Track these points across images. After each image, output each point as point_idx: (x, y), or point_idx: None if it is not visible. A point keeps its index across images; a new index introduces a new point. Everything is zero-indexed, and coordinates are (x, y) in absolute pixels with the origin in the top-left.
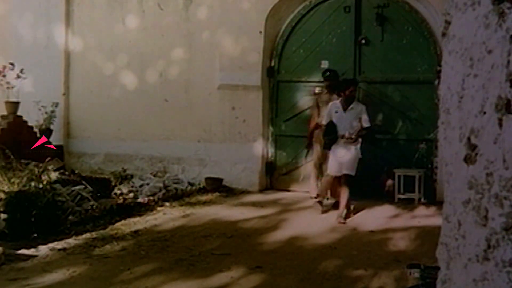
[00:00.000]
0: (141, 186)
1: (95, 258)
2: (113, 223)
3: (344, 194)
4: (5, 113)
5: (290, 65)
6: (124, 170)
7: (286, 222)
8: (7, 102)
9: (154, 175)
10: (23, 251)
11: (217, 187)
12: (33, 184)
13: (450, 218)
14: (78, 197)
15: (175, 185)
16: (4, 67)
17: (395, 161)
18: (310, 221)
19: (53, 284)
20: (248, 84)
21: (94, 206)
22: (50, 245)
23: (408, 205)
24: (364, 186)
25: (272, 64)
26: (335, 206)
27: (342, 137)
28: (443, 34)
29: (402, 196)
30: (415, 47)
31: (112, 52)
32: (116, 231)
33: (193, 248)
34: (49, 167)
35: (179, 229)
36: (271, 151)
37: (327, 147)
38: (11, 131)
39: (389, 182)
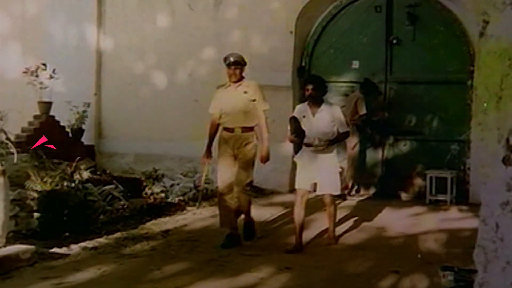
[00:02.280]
0: (171, 186)
1: (126, 258)
2: (144, 223)
3: (331, 214)
4: (38, 113)
5: (321, 65)
6: (155, 170)
7: (315, 222)
8: (40, 102)
9: (184, 175)
10: (55, 250)
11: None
12: (65, 183)
13: (488, 221)
14: (109, 196)
15: (205, 185)
16: (37, 67)
17: (426, 162)
18: (340, 220)
19: (84, 283)
20: (278, 84)
21: (125, 206)
22: (82, 244)
23: (440, 206)
24: (395, 187)
25: (303, 64)
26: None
27: (309, 145)
28: (481, 34)
29: (433, 198)
30: (447, 46)
31: (142, 52)
32: (147, 230)
33: (220, 248)
34: (81, 167)
35: (208, 229)
36: None
37: (296, 153)
38: (44, 131)
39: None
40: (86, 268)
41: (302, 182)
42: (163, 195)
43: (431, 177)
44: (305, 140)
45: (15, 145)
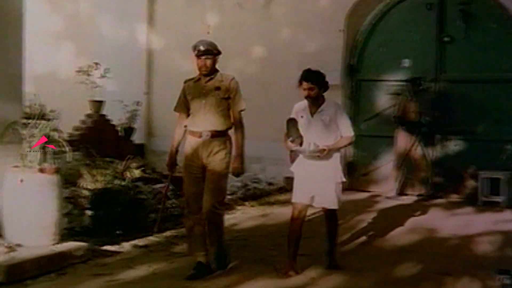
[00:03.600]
0: None
1: (176, 256)
2: None
3: (333, 233)
4: (89, 111)
5: (371, 63)
6: None
7: (365, 223)
8: (91, 101)
9: None
10: (107, 247)
11: None
12: (116, 181)
13: None
14: (159, 195)
15: (254, 185)
16: (89, 66)
17: (478, 162)
18: (389, 222)
19: (135, 280)
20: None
21: (175, 205)
22: (133, 242)
23: (493, 208)
24: (445, 187)
25: (352, 62)
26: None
27: (300, 152)
28: None
29: (486, 199)
30: (500, 44)
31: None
32: None
33: (271, 248)
34: (132, 165)
35: (257, 229)
36: (350, 151)
37: (292, 161)
38: (95, 130)
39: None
40: (137, 265)
41: (298, 195)
42: None
43: (483, 178)
44: (297, 148)
45: (68, 144)
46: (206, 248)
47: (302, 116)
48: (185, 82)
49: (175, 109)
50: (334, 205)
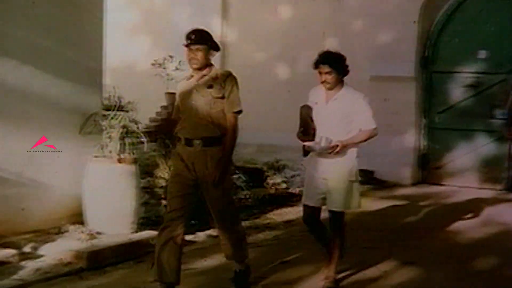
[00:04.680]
0: (292, 177)
1: (249, 246)
2: (266, 213)
3: (336, 243)
4: (165, 103)
5: (445, 55)
6: (277, 161)
7: (439, 217)
8: (167, 93)
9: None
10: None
11: (368, 180)
12: None
13: None
14: (233, 186)
15: None
16: (164, 59)
17: None
18: (463, 215)
19: (210, 269)
20: (401, 75)
21: (248, 196)
22: (207, 232)
23: None
24: None
25: (426, 54)
26: None
27: (311, 148)
28: None
29: None
30: None
31: (265, 43)
32: (269, 220)
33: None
34: None
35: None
36: (424, 143)
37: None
38: (170, 121)
39: None
40: (212, 255)
41: (308, 197)
42: (284, 185)
43: None
44: (310, 144)
45: (145, 135)
46: (178, 271)
47: (316, 103)
48: (180, 81)
49: (172, 117)
50: (337, 206)
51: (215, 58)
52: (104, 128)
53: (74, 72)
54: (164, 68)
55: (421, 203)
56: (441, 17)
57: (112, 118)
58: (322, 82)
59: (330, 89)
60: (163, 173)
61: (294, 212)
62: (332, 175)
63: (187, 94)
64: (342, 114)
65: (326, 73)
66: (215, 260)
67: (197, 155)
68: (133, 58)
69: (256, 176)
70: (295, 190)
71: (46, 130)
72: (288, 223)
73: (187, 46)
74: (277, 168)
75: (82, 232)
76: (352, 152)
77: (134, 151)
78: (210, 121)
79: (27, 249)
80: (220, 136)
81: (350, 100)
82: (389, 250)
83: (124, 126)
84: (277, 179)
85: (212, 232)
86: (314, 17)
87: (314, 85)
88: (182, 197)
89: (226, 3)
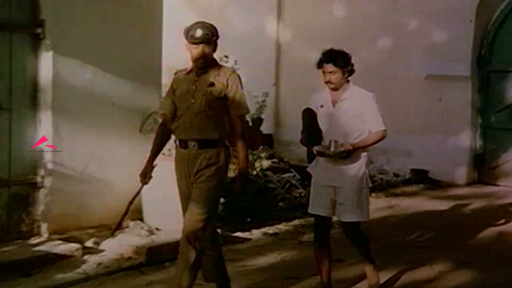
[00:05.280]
0: None
1: (304, 245)
2: None
3: (366, 254)
4: None
5: (502, 54)
6: None
7: (493, 217)
8: None
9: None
10: (239, 234)
11: (422, 179)
12: None
13: None
14: (288, 184)
15: (380, 176)
16: (220, 59)
17: None
18: None
19: (265, 267)
20: (456, 74)
21: (302, 194)
22: (263, 229)
23: None
24: None
25: (483, 53)
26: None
27: (321, 154)
28: None
29: None
30: None
31: (319, 42)
32: None
33: (397, 240)
34: (262, 155)
35: (383, 220)
36: (479, 143)
37: (310, 161)
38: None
39: None
40: (267, 253)
41: (315, 205)
42: None
43: None
44: (318, 148)
45: None
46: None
47: (321, 106)
48: (175, 73)
49: (159, 109)
50: (353, 217)
51: (270, 57)
52: None
53: (134, 71)
54: None
55: (476, 203)
56: (498, 16)
57: None
58: (326, 83)
59: (335, 89)
60: None
61: None
62: (342, 183)
63: (185, 91)
64: (353, 115)
65: (330, 72)
66: (271, 258)
67: (192, 157)
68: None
69: (310, 174)
70: None
71: (107, 128)
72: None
73: (192, 43)
74: None
75: (142, 228)
76: (362, 156)
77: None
78: (206, 122)
79: (89, 243)
80: (216, 139)
81: (360, 99)
82: (444, 250)
83: None
84: None
85: (268, 230)
86: (368, 16)
87: (368, 84)
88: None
89: (281, 3)
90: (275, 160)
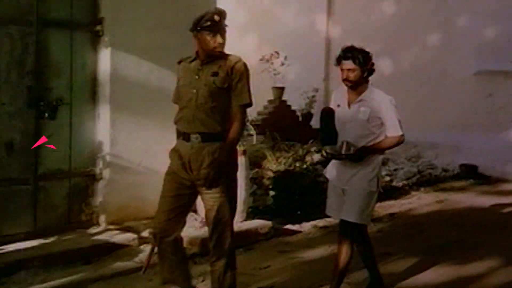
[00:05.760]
0: (395, 170)
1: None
2: None
3: (369, 260)
4: (271, 98)
5: None
6: None
7: None
8: (273, 88)
9: (408, 160)
10: (289, 227)
11: (472, 174)
12: (297, 164)
13: None
14: None
15: (429, 171)
16: (271, 55)
17: None
18: None
19: (316, 259)
20: (507, 70)
21: None
22: (313, 222)
23: None
24: None
25: None
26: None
27: (332, 156)
28: None
29: None
30: None
31: (368, 39)
32: (373, 212)
33: (446, 235)
34: (312, 149)
35: (432, 215)
36: None
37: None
38: (277, 115)
39: None
40: (317, 245)
41: (329, 207)
42: (388, 178)
43: None
44: (329, 149)
45: (253, 128)
46: (188, 275)
47: (338, 105)
48: (178, 62)
49: (172, 100)
50: (351, 217)
51: (320, 54)
52: None
53: None
54: (271, 63)
55: None
56: None
57: None
58: (344, 80)
59: (353, 88)
60: (271, 164)
61: (397, 205)
62: (351, 185)
63: (187, 81)
64: (368, 117)
65: (349, 70)
66: (321, 250)
67: (194, 151)
68: (242, 55)
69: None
70: (398, 183)
71: (162, 122)
72: (392, 215)
73: (210, 30)
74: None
75: (195, 220)
76: (375, 160)
77: (244, 143)
78: (209, 114)
79: (145, 234)
80: (222, 132)
81: (377, 102)
82: (494, 246)
83: None
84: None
85: (318, 222)
86: (417, 13)
87: (417, 80)
88: (175, 198)
89: (332, 1)
90: (324, 154)
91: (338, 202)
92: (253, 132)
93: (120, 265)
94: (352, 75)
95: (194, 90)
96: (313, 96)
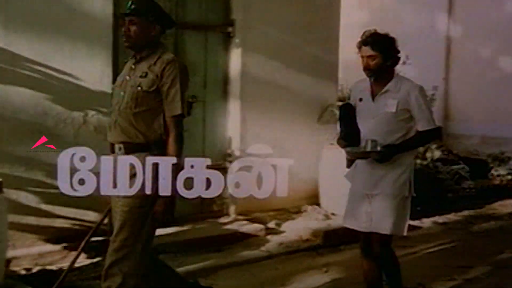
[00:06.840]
0: None
1: (474, 235)
2: (490, 203)
3: (370, 273)
4: None
5: None
6: (502, 153)
7: None
8: None
9: None
10: (409, 222)
11: None
12: (418, 161)
13: None
14: (457, 176)
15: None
16: None
17: None
18: None
19: (436, 255)
20: None
21: (471, 186)
22: (433, 218)
23: None
24: None
25: None
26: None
27: (358, 155)
28: None
29: None
30: None
31: (489, 37)
32: (493, 211)
33: None
34: (432, 147)
35: None
36: None
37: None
38: None
39: None
40: (437, 241)
41: (348, 217)
42: (509, 177)
43: None
44: (348, 149)
45: None
46: None
47: (360, 100)
48: (125, 61)
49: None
50: (386, 229)
51: (440, 52)
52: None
53: (314, 66)
54: None
55: None
56: None
57: None
58: (364, 70)
59: (375, 79)
60: None
61: None
62: (379, 190)
63: (119, 80)
64: (395, 110)
65: (369, 57)
66: (441, 246)
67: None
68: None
69: (479, 167)
70: None
71: (288, 118)
72: None
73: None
74: (502, 160)
75: (319, 213)
76: (407, 160)
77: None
78: (133, 122)
79: (271, 225)
80: (144, 143)
81: (405, 92)
82: None
83: None
84: (502, 170)
85: (437, 219)
86: None
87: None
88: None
89: (452, 0)
90: (445, 152)
91: (360, 211)
92: None
93: (249, 253)
94: (372, 63)
95: (122, 93)
96: (433, 95)
